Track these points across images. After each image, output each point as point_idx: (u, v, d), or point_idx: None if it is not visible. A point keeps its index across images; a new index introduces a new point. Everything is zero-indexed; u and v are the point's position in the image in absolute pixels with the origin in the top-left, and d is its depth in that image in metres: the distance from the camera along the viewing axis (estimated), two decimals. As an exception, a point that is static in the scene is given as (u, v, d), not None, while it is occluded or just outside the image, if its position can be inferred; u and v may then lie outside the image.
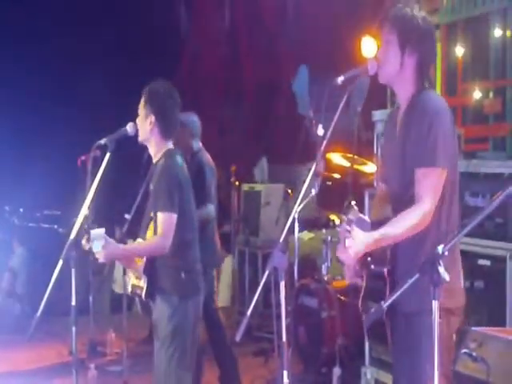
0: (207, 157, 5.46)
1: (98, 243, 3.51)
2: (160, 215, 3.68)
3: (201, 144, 5.50)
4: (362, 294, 3.00)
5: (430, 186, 2.77)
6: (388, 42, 2.92)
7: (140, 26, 9.50)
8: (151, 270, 3.71)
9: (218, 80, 10.79)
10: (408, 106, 2.94)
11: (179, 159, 3.87)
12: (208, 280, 5.31)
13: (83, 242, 3.50)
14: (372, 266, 2.91)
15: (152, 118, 3.82)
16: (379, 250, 2.81)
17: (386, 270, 2.86)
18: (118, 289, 7.85)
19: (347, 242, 2.68)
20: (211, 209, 5.27)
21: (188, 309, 3.78)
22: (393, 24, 2.91)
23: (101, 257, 3.58)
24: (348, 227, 2.70)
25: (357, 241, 2.69)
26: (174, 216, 3.68)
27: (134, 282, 3.82)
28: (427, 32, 2.94)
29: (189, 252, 3.85)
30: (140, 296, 3.76)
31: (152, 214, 3.76)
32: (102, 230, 3.53)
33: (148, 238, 3.78)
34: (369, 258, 2.89)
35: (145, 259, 3.72)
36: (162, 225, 3.66)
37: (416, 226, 2.74)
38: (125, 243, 3.84)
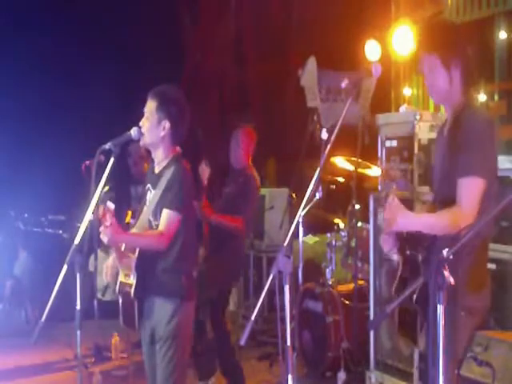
0: (254, 170, 5.50)
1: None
2: (166, 212, 3.65)
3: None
4: (396, 279, 3.08)
5: (470, 195, 2.84)
6: (432, 67, 3.02)
7: (143, 33, 9.54)
8: (143, 267, 3.65)
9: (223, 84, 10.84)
10: (454, 119, 3.02)
11: (186, 163, 3.86)
12: (226, 294, 5.37)
13: (100, 211, 3.44)
14: (407, 252, 3.00)
15: (166, 124, 3.75)
16: (417, 237, 2.93)
17: (420, 256, 2.94)
18: (107, 296, 7.74)
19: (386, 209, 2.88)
20: (240, 225, 5.25)
21: (187, 311, 3.78)
22: (433, 48, 3.04)
23: (106, 237, 3.48)
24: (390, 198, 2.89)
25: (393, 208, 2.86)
26: (179, 217, 3.66)
27: (123, 279, 3.73)
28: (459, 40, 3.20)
29: (190, 255, 3.85)
30: (128, 294, 3.67)
31: (150, 217, 3.73)
32: (113, 206, 3.48)
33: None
34: (406, 244, 3.01)
35: (136, 254, 3.64)
36: (166, 221, 3.64)
37: (447, 228, 2.80)
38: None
